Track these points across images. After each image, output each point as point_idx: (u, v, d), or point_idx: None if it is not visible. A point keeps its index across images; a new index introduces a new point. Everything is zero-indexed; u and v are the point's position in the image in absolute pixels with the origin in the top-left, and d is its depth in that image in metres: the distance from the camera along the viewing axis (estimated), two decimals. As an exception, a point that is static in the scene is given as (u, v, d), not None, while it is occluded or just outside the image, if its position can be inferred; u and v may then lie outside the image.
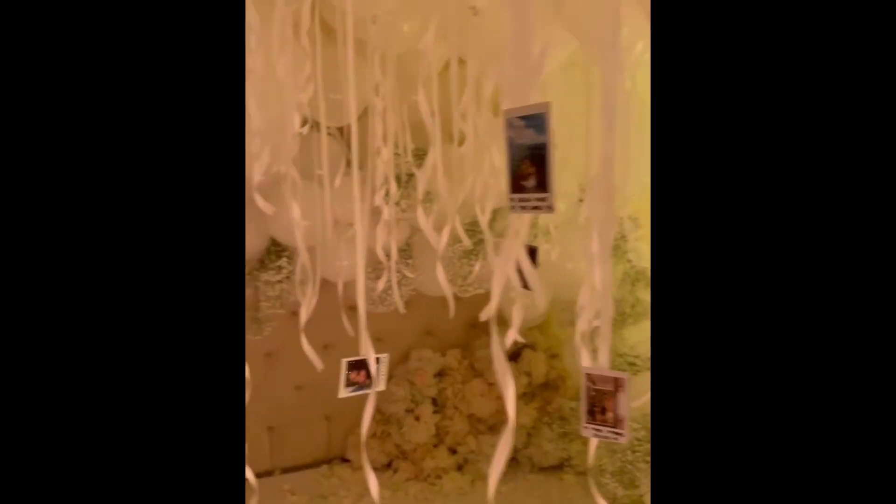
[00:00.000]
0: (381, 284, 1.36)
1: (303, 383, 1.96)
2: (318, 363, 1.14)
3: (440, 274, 1.10)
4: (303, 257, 1.41)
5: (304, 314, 1.21)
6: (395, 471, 1.94)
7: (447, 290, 1.09)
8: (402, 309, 1.40)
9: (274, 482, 1.89)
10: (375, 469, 2.02)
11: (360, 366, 1.00)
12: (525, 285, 1.05)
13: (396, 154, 1.45)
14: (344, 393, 1.01)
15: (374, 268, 1.57)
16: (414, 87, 1.59)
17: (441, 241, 1.15)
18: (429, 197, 1.46)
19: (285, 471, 1.95)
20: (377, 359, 1.01)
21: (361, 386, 1.02)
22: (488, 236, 1.27)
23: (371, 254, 1.62)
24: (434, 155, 1.54)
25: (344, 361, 1.00)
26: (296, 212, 1.32)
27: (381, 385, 1.04)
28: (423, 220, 1.44)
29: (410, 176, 1.51)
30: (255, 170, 1.09)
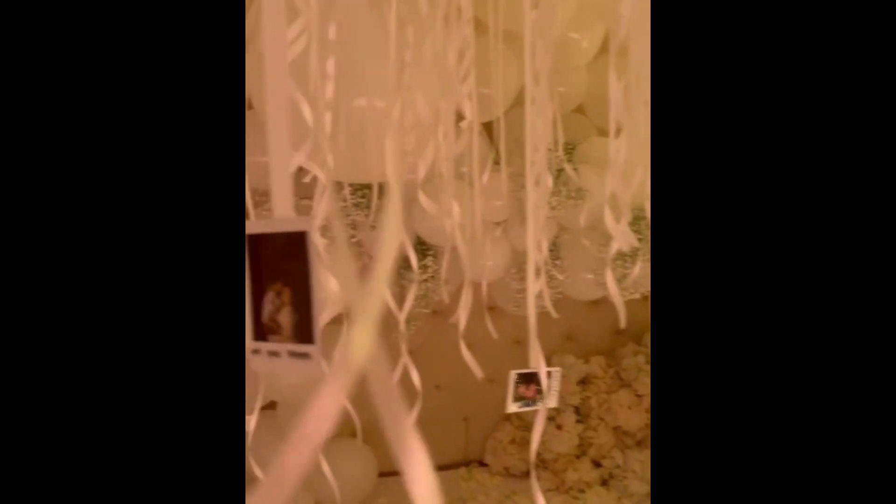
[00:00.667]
0: (537, 287, 1.29)
1: (442, 383, 1.95)
2: (478, 371, 1.09)
3: (609, 278, 1.01)
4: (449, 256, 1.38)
5: (462, 318, 1.17)
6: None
7: (615, 296, 1.00)
8: (553, 313, 1.32)
9: (413, 481, 1.89)
10: (513, 476, 1.97)
11: (529, 379, 0.94)
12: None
13: (548, 149, 1.38)
14: (512, 408, 0.96)
15: (519, 268, 1.51)
16: (564, 77, 1.51)
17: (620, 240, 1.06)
18: (580, 193, 1.37)
19: (424, 470, 1.95)
20: (549, 373, 0.94)
21: (530, 401, 0.96)
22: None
23: (516, 254, 1.57)
24: (587, 148, 1.45)
25: (513, 374, 0.94)
26: (455, 210, 1.29)
27: (552, 401, 0.97)
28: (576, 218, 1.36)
29: (560, 171, 1.43)
30: (420, 166, 1.07)
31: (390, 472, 1.90)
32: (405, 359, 1.30)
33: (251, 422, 1.06)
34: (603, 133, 1.68)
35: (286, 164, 0.45)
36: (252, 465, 1.70)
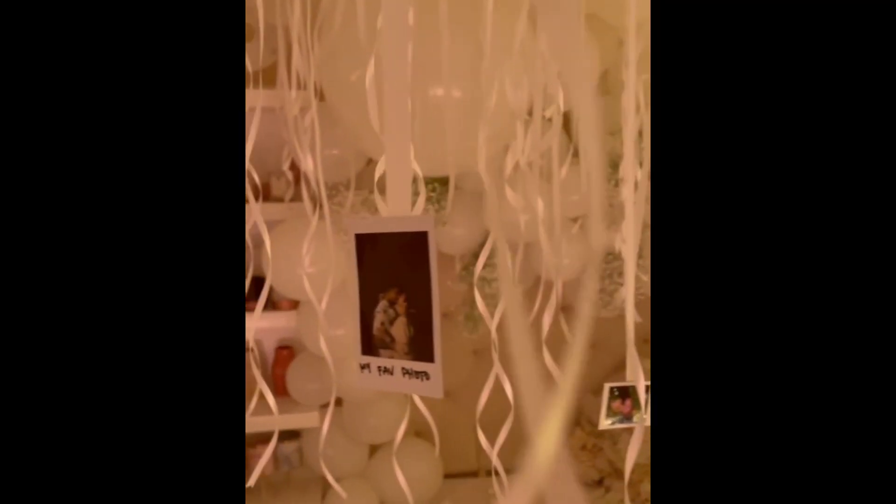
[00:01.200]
0: (627, 292, 1.20)
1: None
2: (556, 373, 1.02)
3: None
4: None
5: (546, 322, 1.10)
6: (608, 490, 1.78)
7: None
8: (637, 317, 1.23)
9: (479, 484, 1.84)
10: (585, 485, 1.89)
11: (625, 393, 0.86)
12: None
13: (610, 133, 1.29)
14: (605, 424, 0.88)
15: (606, 266, 1.43)
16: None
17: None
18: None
19: (489, 473, 1.89)
20: (647, 387, 0.86)
21: (626, 417, 0.88)
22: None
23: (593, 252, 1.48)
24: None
25: (607, 387, 0.87)
26: (539, 205, 1.23)
27: (649, 419, 0.89)
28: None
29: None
30: (509, 159, 1.01)
31: (456, 474, 1.86)
32: (497, 367, 1.24)
33: (323, 421, 1.02)
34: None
35: (405, 157, 0.40)
36: (322, 466, 1.70)
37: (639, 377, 0.71)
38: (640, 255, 1.38)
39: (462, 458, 1.87)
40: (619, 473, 1.77)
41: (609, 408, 0.85)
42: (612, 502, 1.73)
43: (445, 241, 1.45)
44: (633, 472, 1.76)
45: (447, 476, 1.81)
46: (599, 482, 1.82)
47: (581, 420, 1.88)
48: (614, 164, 1.43)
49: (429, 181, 1.36)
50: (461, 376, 1.84)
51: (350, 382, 1.47)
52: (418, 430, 1.82)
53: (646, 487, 1.70)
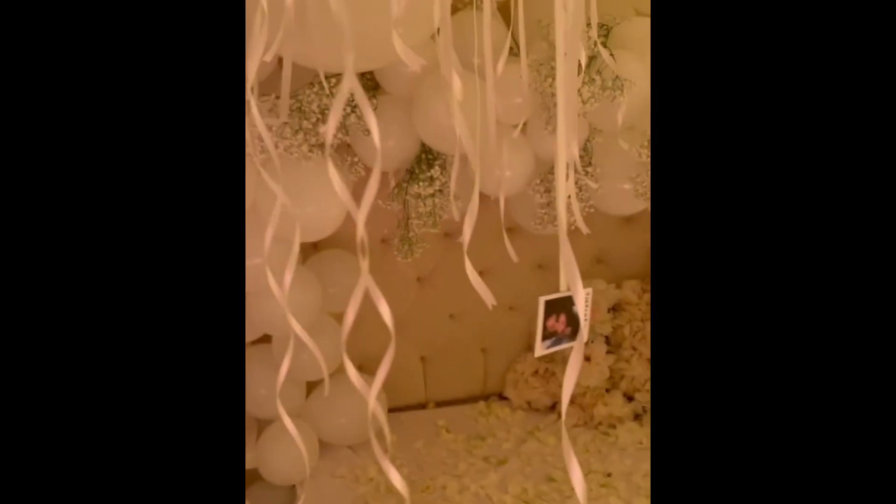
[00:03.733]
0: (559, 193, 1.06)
1: (457, 312, 1.77)
2: (489, 299, 0.89)
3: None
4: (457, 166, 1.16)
5: (466, 233, 0.96)
6: (561, 414, 1.71)
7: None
8: (584, 229, 1.10)
9: (428, 416, 1.75)
10: (536, 411, 1.81)
11: (559, 307, 0.73)
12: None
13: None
14: (541, 350, 0.75)
15: (543, 178, 1.28)
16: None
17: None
18: (617, 83, 1.12)
19: (439, 404, 1.81)
20: (587, 294, 0.73)
21: (561, 338, 0.75)
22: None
23: (539, 163, 1.33)
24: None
25: (542, 301, 0.73)
26: (453, 108, 1.06)
27: (585, 336, 0.76)
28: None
29: (592, 59, 1.17)
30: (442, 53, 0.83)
31: (402, 407, 1.77)
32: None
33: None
34: (642, 13, 1.40)
35: None
36: (249, 405, 1.57)
37: (576, 286, 0.57)
38: (588, 162, 1.24)
39: (408, 391, 1.77)
40: (572, 399, 1.69)
41: (545, 328, 0.73)
42: (567, 426, 1.66)
43: (372, 153, 1.28)
44: (585, 395, 1.69)
45: (393, 410, 1.71)
46: (552, 407, 1.75)
47: (532, 345, 1.79)
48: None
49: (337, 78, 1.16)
50: (404, 306, 1.71)
51: (274, 316, 1.32)
52: (360, 364, 1.71)
53: (599, 411, 1.64)
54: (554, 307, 0.71)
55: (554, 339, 0.73)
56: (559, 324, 0.72)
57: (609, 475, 1.45)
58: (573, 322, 0.74)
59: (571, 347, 0.61)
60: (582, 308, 0.60)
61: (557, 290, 2.00)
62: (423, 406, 1.80)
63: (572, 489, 1.42)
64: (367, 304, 1.67)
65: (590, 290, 0.71)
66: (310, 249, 1.59)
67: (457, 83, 0.87)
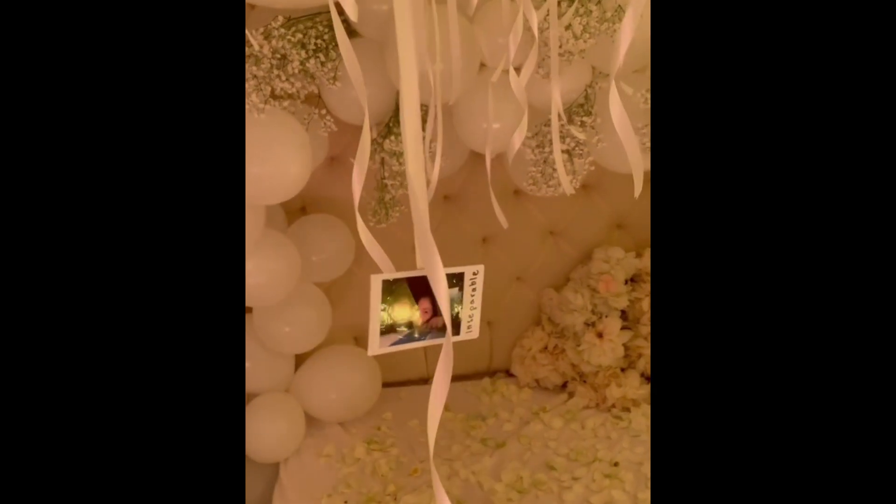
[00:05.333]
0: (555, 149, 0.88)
1: (459, 282, 1.63)
2: (503, 221, 0.76)
3: (622, 125, 0.62)
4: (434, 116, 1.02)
5: (427, 194, 0.81)
6: (571, 395, 1.57)
7: (623, 127, 0.61)
8: (569, 189, 0.94)
9: (428, 392, 1.63)
10: (546, 389, 1.67)
11: (419, 289, 0.57)
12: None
13: (569, -50, 0.93)
14: (376, 347, 0.60)
15: (537, 132, 1.12)
16: None
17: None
18: (619, 13, 0.93)
19: (441, 380, 1.69)
20: (460, 276, 0.58)
21: (425, 332, 0.60)
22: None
23: (532, 111, 1.16)
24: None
25: (376, 281, 0.58)
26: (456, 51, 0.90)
27: (473, 332, 0.62)
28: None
29: (591, -11, 0.99)
30: None
31: (401, 382, 1.66)
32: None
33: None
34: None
35: None
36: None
37: (435, 271, 0.43)
38: (587, 112, 1.06)
39: (409, 366, 1.66)
40: (583, 377, 1.55)
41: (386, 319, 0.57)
42: (576, 408, 1.52)
43: (342, 105, 1.15)
44: (597, 374, 1.53)
45: (391, 384, 1.61)
46: (563, 386, 1.61)
47: (541, 319, 1.64)
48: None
49: (299, 20, 1.03)
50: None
51: (251, 286, 1.22)
52: (356, 336, 1.61)
53: (612, 392, 1.48)
54: (412, 288, 0.56)
55: (409, 332, 0.58)
56: (424, 312, 0.57)
57: (616, 464, 1.30)
58: (461, 300, 0.59)
59: (449, 347, 0.46)
60: (444, 297, 0.44)
61: (572, 261, 1.82)
62: (424, 381, 1.68)
63: (572, 478, 1.29)
64: (357, 272, 1.53)
65: (479, 267, 0.56)
66: (297, 213, 1.48)
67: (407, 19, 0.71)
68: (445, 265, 1.47)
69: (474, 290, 0.57)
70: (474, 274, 0.56)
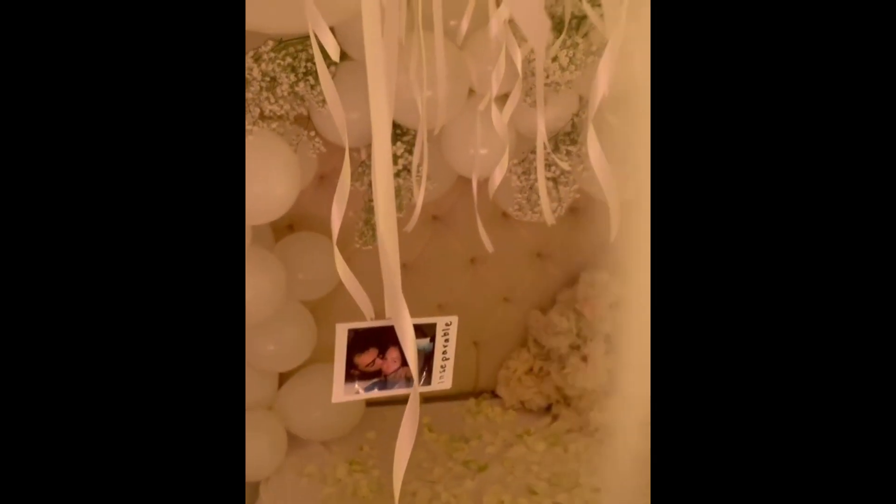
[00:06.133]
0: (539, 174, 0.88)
1: (446, 301, 1.63)
2: (488, 245, 0.76)
3: (599, 166, 0.63)
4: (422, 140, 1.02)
5: (415, 217, 0.81)
6: (555, 417, 1.57)
7: (604, 176, 0.62)
8: (550, 220, 0.95)
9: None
10: (530, 412, 1.68)
11: (383, 339, 0.58)
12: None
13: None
14: (341, 395, 0.60)
15: (524, 159, 1.13)
16: None
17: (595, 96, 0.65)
18: (601, 49, 0.95)
19: (426, 400, 1.68)
20: (433, 326, 0.58)
21: (390, 381, 0.61)
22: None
23: (519, 138, 1.17)
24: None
25: (342, 330, 0.58)
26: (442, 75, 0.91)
27: (445, 382, 0.62)
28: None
29: (581, 20, 1.00)
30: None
31: (387, 401, 1.66)
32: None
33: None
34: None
35: None
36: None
37: (399, 313, 0.43)
38: (573, 140, 1.08)
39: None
40: (567, 400, 1.55)
41: (353, 365, 0.58)
42: (560, 431, 1.52)
43: (331, 126, 1.15)
44: (581, 398, 1.54)
45: (375, 404, 1.60)
46: (548, 409, 1.61)
47: (528, 341, 1.64)
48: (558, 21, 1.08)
49: (289, 43, 1.04)
50: (457, 290, 1.60)
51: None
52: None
53: (595, 416, 1.48)
54: (376, 338, 0.57)
55: (376, 381, 0.58)
56: (387, 361, 0.58)
57: (597, 490, 1.30)
58: (424, 359, 0.59)
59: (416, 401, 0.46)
60: (412, 351, 0.44)
61: (558, 283, 1.82)
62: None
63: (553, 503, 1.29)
64: (344, 291, 1.53)
65: (452, 318, 0.57)
66: (285, 231, 1.48)
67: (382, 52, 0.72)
68: (432, 286, 1.48)
69: (447, 340, 0.57)
70: (447, 325, 0.57)
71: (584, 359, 1.49)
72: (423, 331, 0.57)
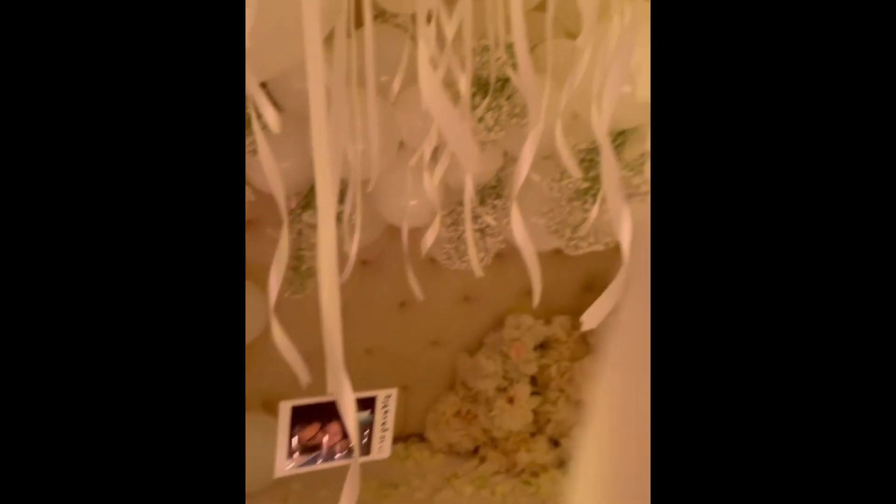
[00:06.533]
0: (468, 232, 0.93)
1: (375, 346, 1.64)
2: (418, 292, 0.78)
3: (516, 220, 0.67)
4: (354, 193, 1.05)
5: (348, 271, 0.83)
6: (483, 460, 1.59)
7: (525, 247, 0.67)
8: (478, 272, 0.99)
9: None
10: (458, 455, 1.69)
11: (324, 413, 0.60)
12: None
13: (483, 48, 1.01)
14: (283, 469, 0.62)
15: (452, 210, 1.17)
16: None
17: (520, 174, 0.70)
18: (524, 111, 1.01)
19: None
20: (370, 400, 0.61)
21: (332, 453, 0.62)
22: (611, 166, 0.82)
23: (448, 190, 1.22)
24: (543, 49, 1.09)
25: (285, 408, 0.60)
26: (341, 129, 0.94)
27: (384, 451, 0.64)
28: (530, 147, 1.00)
29: (504, 82, 1.07)
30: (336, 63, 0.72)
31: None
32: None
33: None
34: (572, 35, 1.30)
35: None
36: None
37: (342, 389, 0.45)
38: (498, 195, 1.13)
39: (320, 431, 1.63)
40: (494, 442, 1.58)
41: (295, 439, 0.60)
42: (487, 473, 1.54)
43: (260, 176, 1.16)
44: (507, 439, 1.57)
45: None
46: (475, 451, 1.63)
47: (455, 383, 1.67)
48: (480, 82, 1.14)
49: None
50: (316, 339, 1.58)
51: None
52: (265, 401, 1.57)
53: (522, 457, 1.52)
54: (319, 413, 0.59)
55: (317, 454, 0.60)
56: (327, 434, 0.60)
57: (524, 532, 1.33)
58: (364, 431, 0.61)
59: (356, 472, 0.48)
60: (353, 425, 0.46)
61: (486, 326, 1.87)
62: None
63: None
64: (270, 337, 1.51)
65: (391, 391, 0.59)
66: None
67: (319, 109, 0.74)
68: (360, 331, 1.48)
69: (386, 412, 0.59)
70: (387, 397, 0.58)
71: (511, 400, 1.53)
72: (364, 403, 0.58)
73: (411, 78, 1.08)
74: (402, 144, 1.18)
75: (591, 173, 1.06)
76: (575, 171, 0.74)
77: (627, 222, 0.56)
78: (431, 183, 0.86)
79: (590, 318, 0.62)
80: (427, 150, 0.84)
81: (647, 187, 1.02)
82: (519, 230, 0.62)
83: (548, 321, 1.63)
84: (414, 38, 1.10)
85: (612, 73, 0.61)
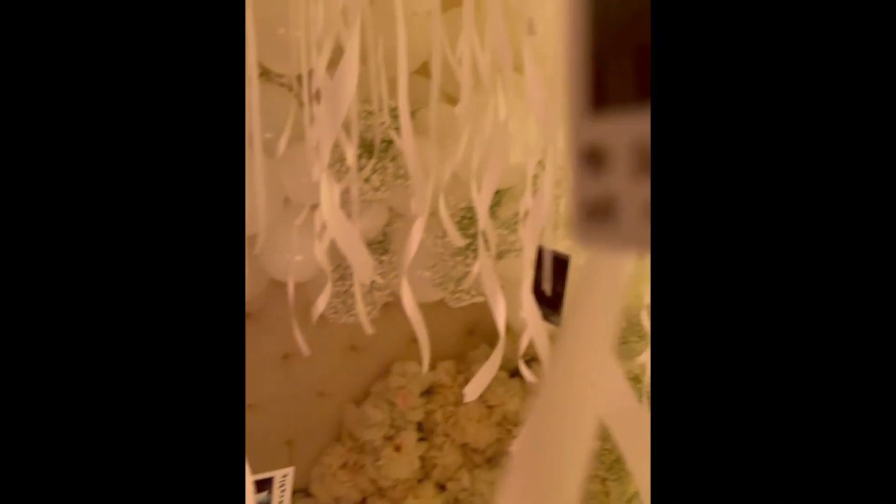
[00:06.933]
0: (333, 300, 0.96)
1: (256, 401, 1.59)
2: (305, 349, 0.77)
3: (404, 288, 0.72)
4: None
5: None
6: (369, 512, 1.58)
7: (414, 316, 0.71)
8: (368, 329, 1.02)
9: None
10: (345, 507, 1.67)
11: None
12: (548, 315, 0.74)
13: (368, 112, 1.06)
14: None
15: (339, 265, 1.19)
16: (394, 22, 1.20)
17: (413, 237, 0.75)
18: (408, 172, 1.07)
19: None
20: (268, 481, 0.62)
21: None
22: (488, 228, 0.89)
23: (334, 244, 1.24)
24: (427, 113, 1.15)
25: (251, 481, 0.60)
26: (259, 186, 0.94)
27: None
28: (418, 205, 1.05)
29: (388, 143, 1.12)
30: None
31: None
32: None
33: None
34: (452, 101, 1.40)
35: None
36: None
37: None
38: (385, 250, 1.17)
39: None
40: (381, 491, 1.58)
41: None
42: (375, 524, 1.54)
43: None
44: (395, 488, 1.58)
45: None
46: (362, 502, 1.62)
47: (342, 434, 1.66)
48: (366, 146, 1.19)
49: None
50: (269, 388, 1.54)
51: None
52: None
53: (409, 505, 1.53)
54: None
55: None
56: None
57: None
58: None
59: None
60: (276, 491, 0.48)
61: (372, 374, 1.87)
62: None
63: None
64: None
65: (288, 470, 0.61)
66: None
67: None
68: (247, 379, 1.43)
69: (283, 491, 0.60)
70: (283, 476, 0.59)
71: (398, 448, 1.54)
72: (260, 485, 0.58)
73: (297, 136, 1.10)
74: (286, 200, 1.19)
75: (471, 230, 1.13)
76: (457, 240, 0.80)
77: (502, 307, 0.62)
78: (321, 248, 0.88)
79: (471, 392, 0.68)
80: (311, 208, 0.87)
81: (521, 244, 1.11)
82: (410, 304, 0.66)
83: (433, 367, 1.67)
84: (299, 98, 1.13)
85: (490, 164, 0.67)
